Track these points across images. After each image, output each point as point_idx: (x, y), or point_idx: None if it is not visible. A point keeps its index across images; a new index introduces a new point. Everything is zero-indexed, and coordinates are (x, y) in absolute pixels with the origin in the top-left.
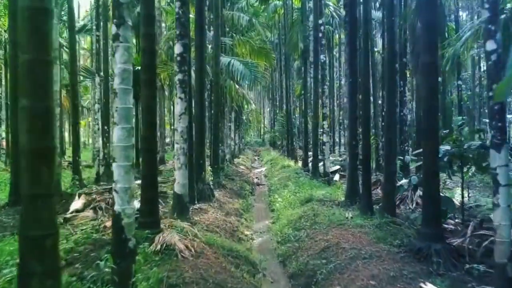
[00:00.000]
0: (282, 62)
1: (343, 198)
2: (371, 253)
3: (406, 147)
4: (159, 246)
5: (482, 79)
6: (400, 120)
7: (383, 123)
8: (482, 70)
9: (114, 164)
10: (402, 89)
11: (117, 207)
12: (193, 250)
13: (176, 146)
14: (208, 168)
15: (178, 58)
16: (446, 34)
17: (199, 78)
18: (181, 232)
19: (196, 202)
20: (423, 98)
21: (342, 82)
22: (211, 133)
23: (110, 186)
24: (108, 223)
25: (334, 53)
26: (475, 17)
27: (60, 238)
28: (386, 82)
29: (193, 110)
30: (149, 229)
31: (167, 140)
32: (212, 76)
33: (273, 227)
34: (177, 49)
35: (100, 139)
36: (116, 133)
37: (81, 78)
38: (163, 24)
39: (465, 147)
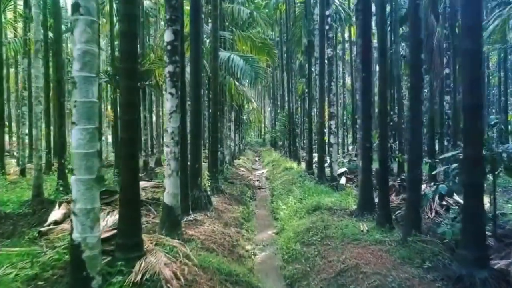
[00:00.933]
0: (284, 61)
1: (355, 207)
2: (400, 282)
3: None
4: (139, 277)
5: (490, 77)
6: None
7: (391, 123)
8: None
9: (72, 178)
10: None
11: (75, 235)
12: (182, 279)
13: (166, 149)
14: (205, 173)
15: (168, 47)
16: (456, 29)
17: (194, 71)
18: (170, 253)
19: (190, 212)
20: (464, 93)
21: (347, 81)
22: (209, 134)
23: None
24: None
25: (338, 50)
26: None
27: (26, 260)
28: (410, 75)
29: (188, 109)
30: (128, 253)
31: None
32: (210, 72)
33: (277, 239)
34: (167, 36)
35: None
36: (75, 136)
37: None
38: (162, 23)
39: (500, 150)
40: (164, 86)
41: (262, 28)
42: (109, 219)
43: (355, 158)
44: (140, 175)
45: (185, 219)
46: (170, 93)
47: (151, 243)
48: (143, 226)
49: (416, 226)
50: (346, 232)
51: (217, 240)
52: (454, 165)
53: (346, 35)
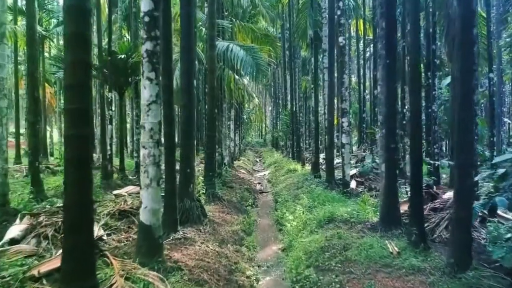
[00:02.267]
0: (286, 58)
1: (375, 219)
2: None
3: (436, 150)
4: None
5: (503, 74)
6: (428, 118)
7: (403, 122)
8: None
9: None
10: (430, 81)
11: None
12: None
13: (142, 152)
14: (200, 178)
15: (146, 19)
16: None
17: (186, 57)
18: None
19: (178, 228)
20: None
21: (352, 78)
22: (205, 133)
23: None
24: (44, 267)
25: None
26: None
27: None
28: (459, 56)
29: (181, 107)
30: None
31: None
32: (206, 63)
33: (284, 258)
34: (144, 5)
35: None
36: None
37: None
38: None
39: None
40: (141, 69)
41: (265, 19)
42: None
43: (368, 161)
44: (131, 177)
45: (171, 238)
46: (148, 78)
47: (121, 276)
48: (122, 244)
49: (467, 251)
50: (372, 254)
51: (211, 265)
52: (501, 171)
53: (353, 32)
